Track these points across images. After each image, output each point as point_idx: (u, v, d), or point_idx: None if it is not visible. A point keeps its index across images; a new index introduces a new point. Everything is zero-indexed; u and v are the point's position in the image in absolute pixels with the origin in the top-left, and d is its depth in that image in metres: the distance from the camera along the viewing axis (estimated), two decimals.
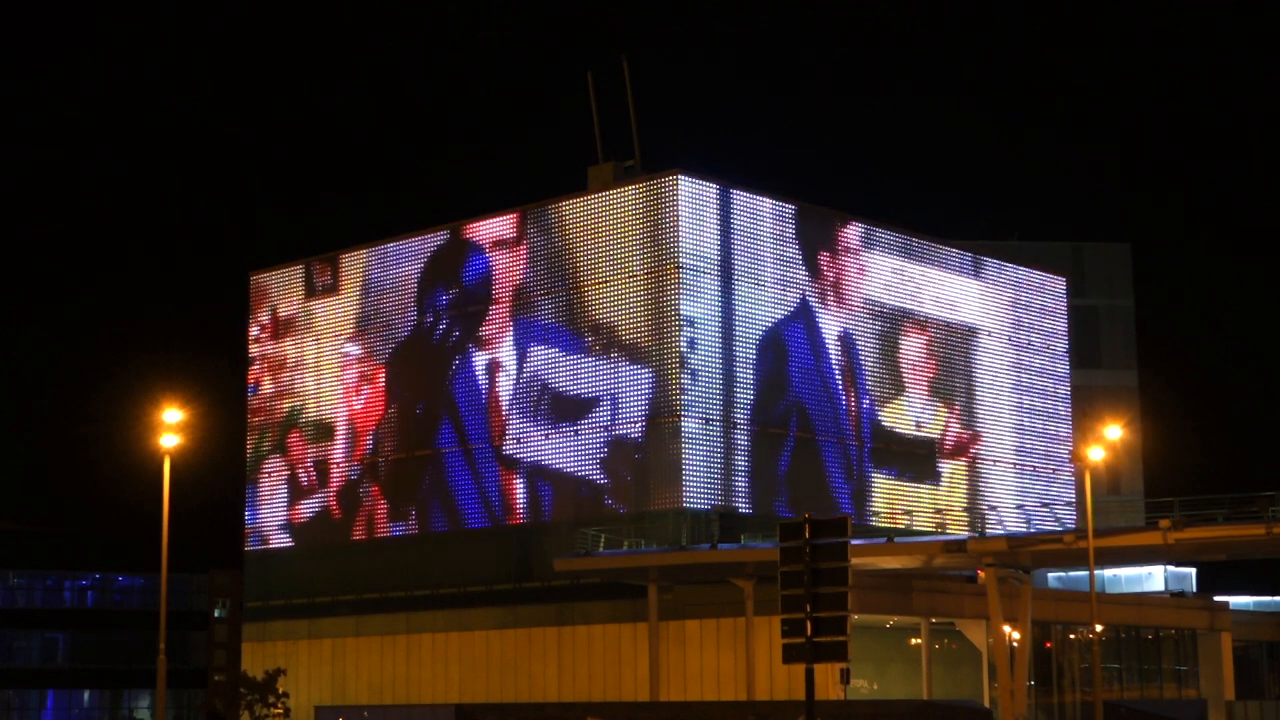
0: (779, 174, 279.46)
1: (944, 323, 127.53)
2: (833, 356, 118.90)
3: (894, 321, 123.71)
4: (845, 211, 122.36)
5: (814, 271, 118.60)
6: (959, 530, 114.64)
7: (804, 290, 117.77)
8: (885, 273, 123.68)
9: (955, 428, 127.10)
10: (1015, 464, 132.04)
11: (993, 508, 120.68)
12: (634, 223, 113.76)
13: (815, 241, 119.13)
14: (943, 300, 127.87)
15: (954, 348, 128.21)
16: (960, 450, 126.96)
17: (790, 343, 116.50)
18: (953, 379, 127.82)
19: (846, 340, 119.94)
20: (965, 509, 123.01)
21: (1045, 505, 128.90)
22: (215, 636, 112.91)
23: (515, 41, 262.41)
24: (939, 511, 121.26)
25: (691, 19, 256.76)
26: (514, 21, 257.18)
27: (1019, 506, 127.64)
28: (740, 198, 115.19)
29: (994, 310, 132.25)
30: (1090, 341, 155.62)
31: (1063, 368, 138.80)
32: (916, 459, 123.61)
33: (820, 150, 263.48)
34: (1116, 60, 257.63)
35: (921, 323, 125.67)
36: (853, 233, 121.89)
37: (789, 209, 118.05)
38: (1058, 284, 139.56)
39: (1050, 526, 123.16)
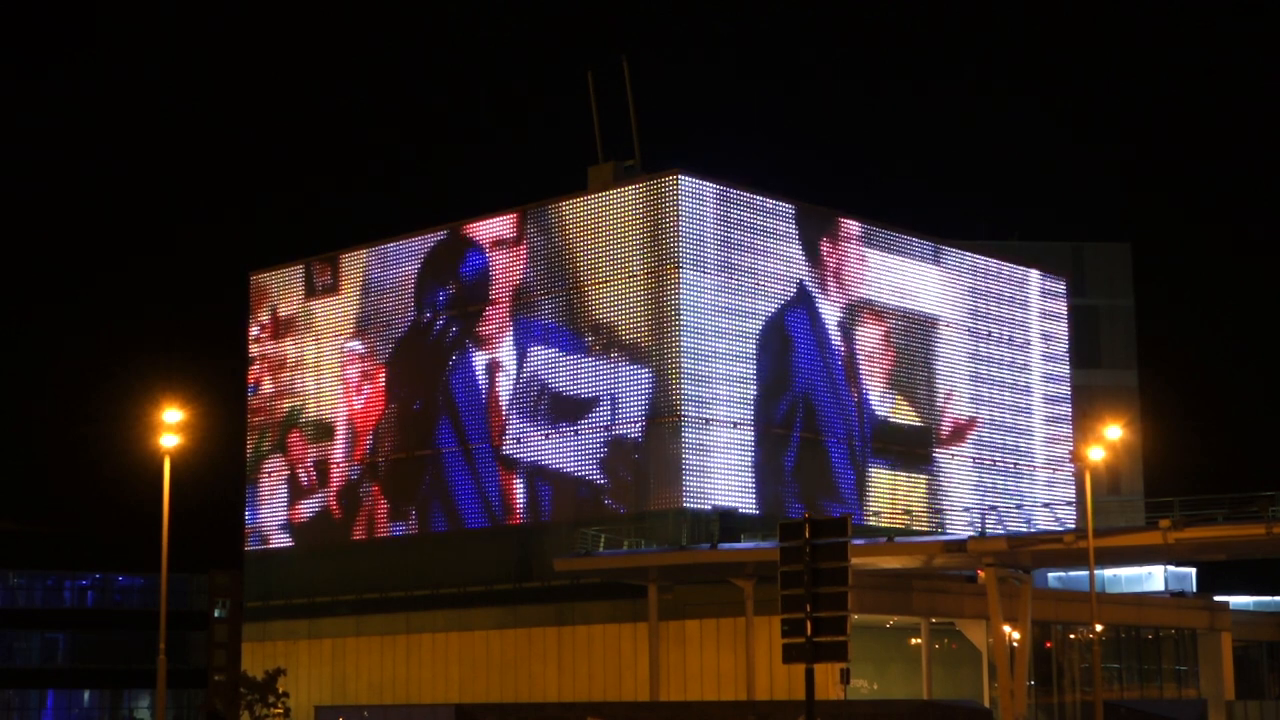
0: (779, 174, 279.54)
1: (938, 319, 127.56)
2: (832, 354, 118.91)
3: (887, 317, 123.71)
4: (845, 211, 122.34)
5: (813, 270, 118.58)
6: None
7: (803, 289, 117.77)
8: (881, 270, 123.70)
9: (947, 423, 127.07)
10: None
11: (993, 508, 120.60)
12: (634, 223, 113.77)
13: (815, 240, 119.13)
14: (933, 297, 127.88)
15: (950, 344, 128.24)
16: (955, 438, 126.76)
17: (790, 341, 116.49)
18: (944, 375, 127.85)
19: (846, 337, 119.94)
20: (936, 508, 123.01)
21: (1046, 505, 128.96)
22: (215, 636, 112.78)
23: (515, 41, 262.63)
24: (939, 511, 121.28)
25: (691, 19, 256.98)
26: (514, 21, 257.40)
27: (1018, 506, 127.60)
28: (740, 197, 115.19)
29: (993, 309, 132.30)
30: (1090, 341, 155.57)
31: (1061, 367, 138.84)
32: (912, 456, 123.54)
33: (820, 150, 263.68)
34: (1116, 60, 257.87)
35: (914, 318, 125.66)
36: (853, 232, 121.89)
37: (789, 208, 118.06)
38: (1057, 285, 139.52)
39: (1043, 527, 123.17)
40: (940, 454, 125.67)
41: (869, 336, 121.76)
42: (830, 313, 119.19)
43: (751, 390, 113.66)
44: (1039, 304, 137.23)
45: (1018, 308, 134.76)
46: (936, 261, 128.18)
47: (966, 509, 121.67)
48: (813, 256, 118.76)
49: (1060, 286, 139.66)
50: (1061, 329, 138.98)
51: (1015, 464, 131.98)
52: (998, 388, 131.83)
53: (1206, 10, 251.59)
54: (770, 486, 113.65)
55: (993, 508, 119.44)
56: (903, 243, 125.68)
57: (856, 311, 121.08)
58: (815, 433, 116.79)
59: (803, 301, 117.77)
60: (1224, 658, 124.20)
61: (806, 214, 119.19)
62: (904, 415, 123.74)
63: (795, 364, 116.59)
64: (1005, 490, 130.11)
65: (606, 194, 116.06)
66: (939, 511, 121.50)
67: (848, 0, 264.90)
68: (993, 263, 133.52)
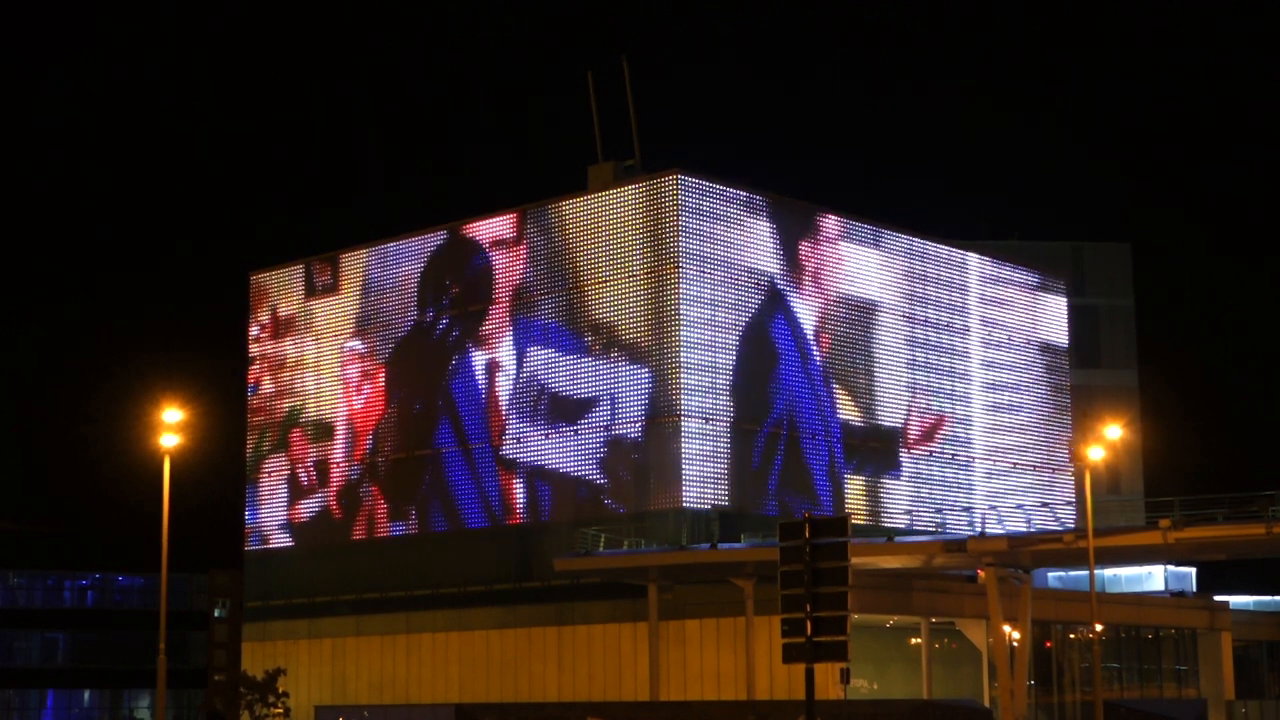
0: (779, 174, 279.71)
1: (928, 318, 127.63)
2: (832, 353, 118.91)
3: (888, 316, 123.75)
4: (844, 211, 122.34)
5: (813, 269, 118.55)
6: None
7: (801, 288, 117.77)
8: (881, 270, 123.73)
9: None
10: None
11: (993, 507, 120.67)
12: (634, 223, 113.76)
13: (813, 240, 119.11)
14: (930, 295, 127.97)
15: (939, 343, 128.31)
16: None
17: (788, 340, 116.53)
18: (942, 375, 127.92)
19: (846, 336, 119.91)
20: (936, 508, 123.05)
21: (1045, 504, 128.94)
22: (215, 636, 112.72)
23: (515, 41, 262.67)
24: (938, 511, 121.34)
25: (691, 19, 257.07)
26: (514, 21, 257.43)
27: (1018, 506, 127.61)
28: (740, 197, 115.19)
29: (986, 310, 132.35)
30: (1090, 341, 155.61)
31: (1039, 364, 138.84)
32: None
33: (820, 150, 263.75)
34: (1116, 60, 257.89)
35: (914, 318, 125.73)
36: (851, 231, 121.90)
37: (788, 208, 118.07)
38: (1014, 273, 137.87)
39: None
40: (939, 453, 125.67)
41: (870, 335, 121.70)
42: (831, 312, 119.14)
43: (751, 390, 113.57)
44: (1030, 302, 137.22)
45: (1020, 310, 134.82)
46: (935, 260, 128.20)
47: (966, 509, 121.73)
48: (812, 256, 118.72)
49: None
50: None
51: (1015, 463, 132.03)
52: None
53: (1206, 10, 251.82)
54: (770, 485, 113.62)
55: (993, 507, 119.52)
56: (901, 242, 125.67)
57: (855, 310, 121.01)
58: (812, 432, 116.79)
59: (801, 300, 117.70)
60: (1224, 658, 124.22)
61: (804, 213, 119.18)
62: (902, 414, 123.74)
63: (795, 363, 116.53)
64: (1002, 489, 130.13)
65: (606, 194, 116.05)
66: (939, 511, 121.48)
67: (848, 0, 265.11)
68: (991, 261, 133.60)
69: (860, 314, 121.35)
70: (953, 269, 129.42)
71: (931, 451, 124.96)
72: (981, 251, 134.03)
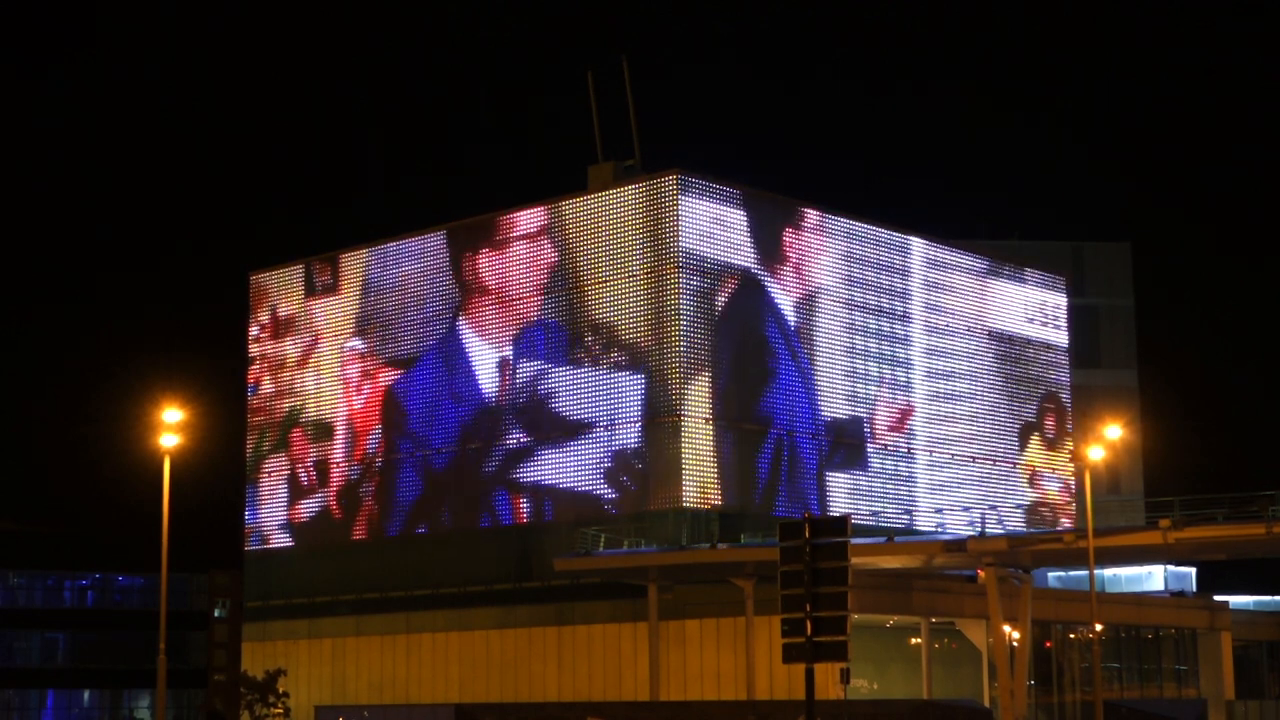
0: (779, 173, 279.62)
1: (928, 319, 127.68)
2: (832, 353, 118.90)
3: (884, 317, 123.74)
4: (843, 210, 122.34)
5: (810, 269, 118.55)
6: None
7: (799, 288, 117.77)
8: (880, 271, 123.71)
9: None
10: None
11: (993, 507, 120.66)
12: (634, 223, 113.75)
13: (811, 240, 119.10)
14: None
15: (941, 344, 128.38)
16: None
17: (787, 340, 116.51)
18: (936, 373, 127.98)
19: (847, 335, 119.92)
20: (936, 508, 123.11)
21: (1049, 506, 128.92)
22: (215, 636, 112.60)
23: (515, 41, 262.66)
24: (938, 511, 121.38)
25: (691, 19, 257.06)
26: (514, 21, 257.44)
27: (1018, 505, 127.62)
28: (740, 197, 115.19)
29: (986, 312, 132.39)
30: (1090, 341, 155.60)
31: (1038, 361, 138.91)
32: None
33: (820, 150, 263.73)
34: (1116, 60, 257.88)
35: (906, 316, 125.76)
36: (849, 231, 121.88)
37: (788, 207, 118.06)
38: (975, 262, 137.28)
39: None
40: (939, 452, 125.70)
41: (869, 335, 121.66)
42: (830, 311, 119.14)
43: (751, 389, 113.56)
44: (1040, 304, 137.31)
45: (1024, 313, 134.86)
46: (934, 260, 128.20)
47: (966, 508, 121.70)
48: (811, 256, 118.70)
49: (973, 263, 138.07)
50: (1057, 325, 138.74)
51: (1014, 464, 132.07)
52: (984, 386, 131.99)
53: (1206, 10, 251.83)
54: (770, 485, 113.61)
55: (993, 507, 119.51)
56: (896, 241, 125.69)
57: (855, 310, 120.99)
58: (811, 431, 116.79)
59: (800, 299, 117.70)
60: (1224, 657, 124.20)
61: (803, 213, 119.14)
62: (904, 413, 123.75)
63: (795, 362, 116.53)
64: (996, 487, 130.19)
65: (606, 194, 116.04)
66: (939, 511, 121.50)
67: (848, 0, 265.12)
68: (987, 261, 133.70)
69: (862, 314, 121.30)
70: (951, 268, 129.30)
71: (932, 451, 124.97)
72: (979, 251, 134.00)
